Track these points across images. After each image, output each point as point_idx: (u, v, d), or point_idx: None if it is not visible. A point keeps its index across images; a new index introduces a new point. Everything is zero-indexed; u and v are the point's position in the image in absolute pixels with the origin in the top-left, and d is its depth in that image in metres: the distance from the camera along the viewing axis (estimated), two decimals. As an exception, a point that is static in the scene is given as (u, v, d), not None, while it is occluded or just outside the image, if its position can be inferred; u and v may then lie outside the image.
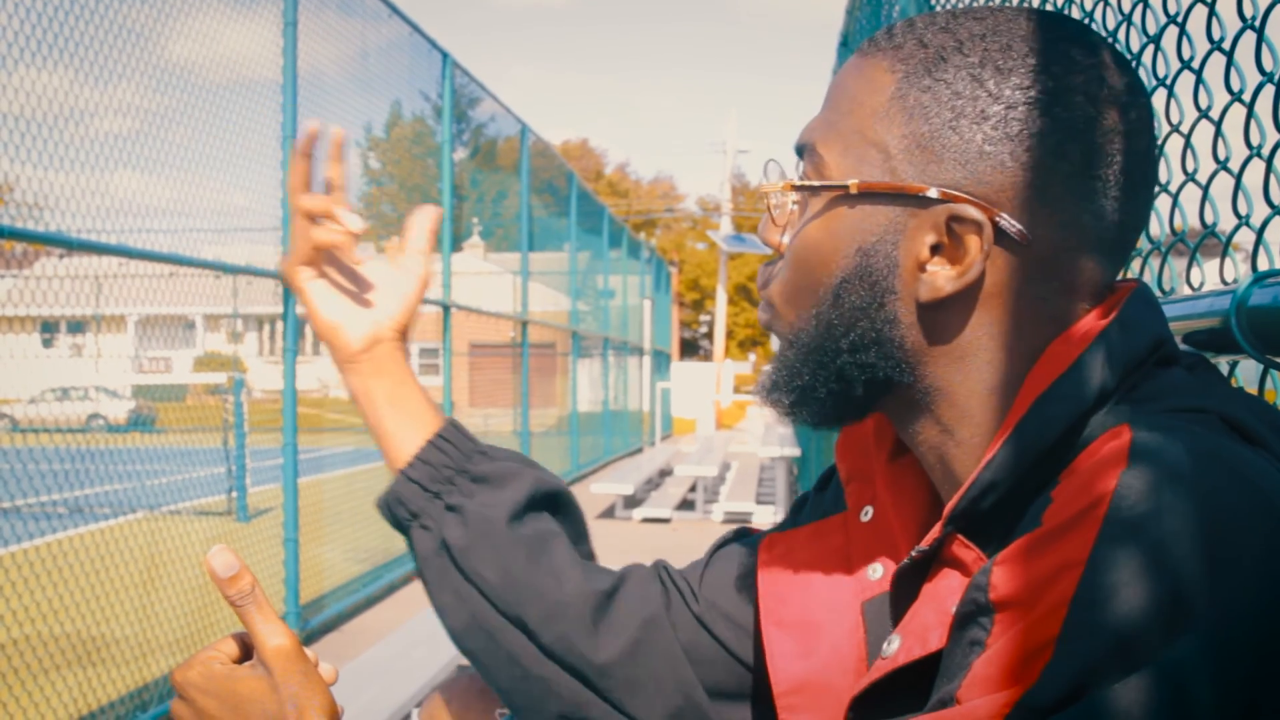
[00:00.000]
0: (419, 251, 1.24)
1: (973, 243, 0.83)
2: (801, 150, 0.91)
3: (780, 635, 1.04)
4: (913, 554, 0.85)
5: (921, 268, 0.85)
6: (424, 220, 1.25)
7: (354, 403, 1.21)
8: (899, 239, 0.85)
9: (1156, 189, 1.37)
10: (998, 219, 0.82)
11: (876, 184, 0.85)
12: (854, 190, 0.85)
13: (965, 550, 0.81)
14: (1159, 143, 1.35)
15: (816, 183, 0.87)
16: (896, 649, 0.82)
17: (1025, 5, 0.92)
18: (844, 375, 0.88)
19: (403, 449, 1.18)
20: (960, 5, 2.67)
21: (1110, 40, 1.51)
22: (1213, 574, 0.64)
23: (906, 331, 0.86)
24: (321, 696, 0.93)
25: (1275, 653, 0.63)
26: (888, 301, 0.86)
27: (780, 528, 1.14)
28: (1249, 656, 0.63)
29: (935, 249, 0.84)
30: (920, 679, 0.79)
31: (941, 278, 0.84)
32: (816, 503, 1.13)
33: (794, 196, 0.92)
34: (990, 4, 0.90)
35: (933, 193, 0.83)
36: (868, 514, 1.02)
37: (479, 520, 1.14)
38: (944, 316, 0.86)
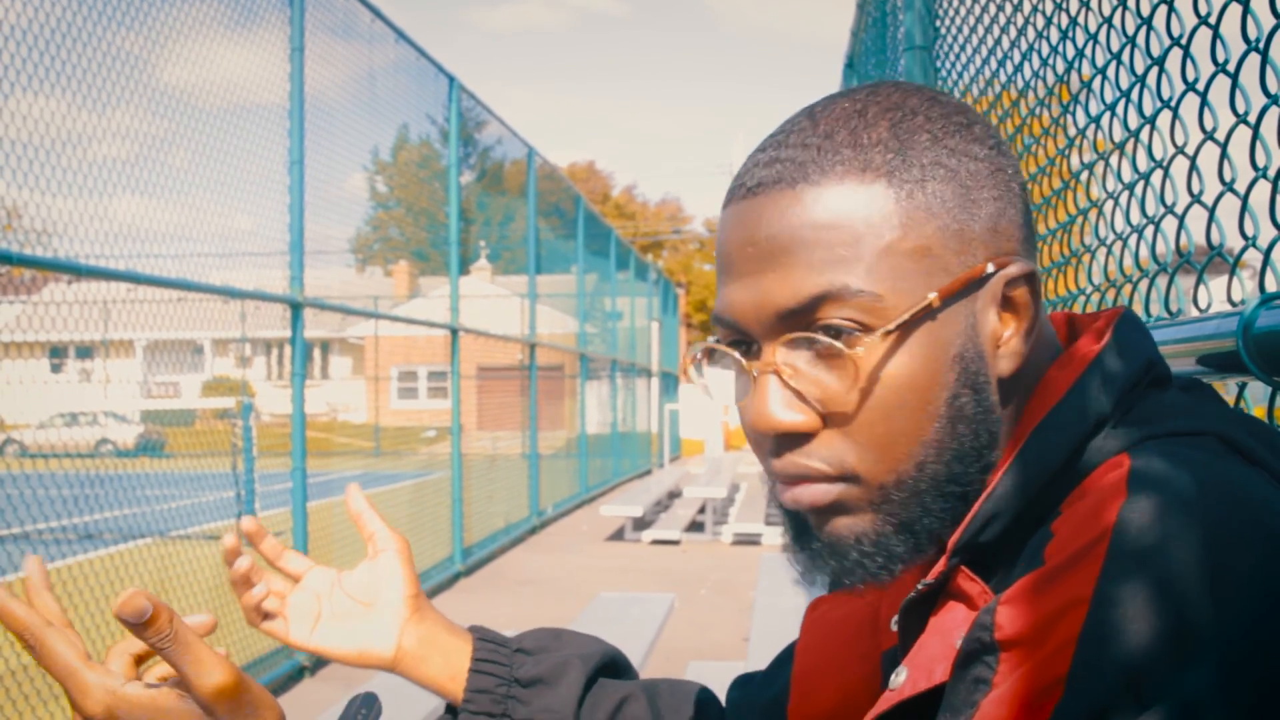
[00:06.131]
0: (378, 529, 1.21)
1: (1021, 297, 0.84)
2: (812, 304, 0.81)
3: (800, 685, 1.07)
4: (919, 586, 0.85)
5: (998, 343, 0.84)
6: (356, 501, 1.22)
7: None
8: (975, 327, 0.83)
9: (1163, 210, 1.37)
10: (1031, 268, 0.84)
11: (948, 286, 0.81)
12: (936, 304, 0.80)
13: (970, 583, 0.81)
14: (1145, 171, 1.35)
15: (906, 315, 0.80)
16: (903, 681, 0.83)
17: (890, 81, 0.92)
18: (954, 489, 0.83)
19: (452, 689, 1.18)
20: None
21: (1115, 62, 1.52)
22: (1218, 603, 0.63)
23: (996, 410, 0.84)
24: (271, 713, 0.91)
25: None
26: (987, 392, 0.83)
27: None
28: (1257, 682, 0.63)
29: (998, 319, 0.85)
30: (926, 712, 0.79)
31: (1014, 342, 0.84)
32: None
33: (827, 350, 0.82)
34: (858, 92, 0.88)
35: (990, 268, 0.83)
36: None
37: None
38: (1013, 379, 0.85)
